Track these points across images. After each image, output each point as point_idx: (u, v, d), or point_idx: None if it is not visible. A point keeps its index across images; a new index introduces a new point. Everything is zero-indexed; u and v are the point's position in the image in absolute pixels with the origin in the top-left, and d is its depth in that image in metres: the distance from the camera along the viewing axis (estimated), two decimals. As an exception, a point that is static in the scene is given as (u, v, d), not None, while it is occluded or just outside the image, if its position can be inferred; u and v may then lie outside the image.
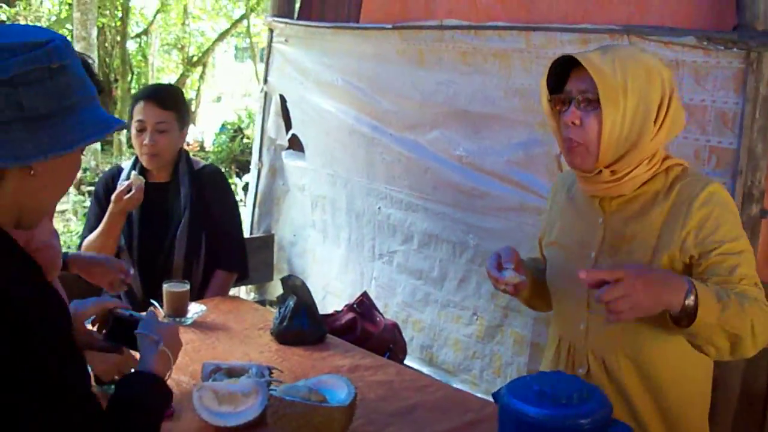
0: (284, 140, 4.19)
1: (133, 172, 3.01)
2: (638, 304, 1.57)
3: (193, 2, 21.46)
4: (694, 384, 1.94)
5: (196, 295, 3.09)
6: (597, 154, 1.81)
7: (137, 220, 3.09)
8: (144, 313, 1.84)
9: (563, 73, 1.86)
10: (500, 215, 3.01)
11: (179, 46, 23.06)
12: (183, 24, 22.28)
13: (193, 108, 23.88)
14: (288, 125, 4.16)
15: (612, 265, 1.62)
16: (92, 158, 11.30)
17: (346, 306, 3.27)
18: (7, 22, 17.82)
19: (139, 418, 1.45)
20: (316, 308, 2.72)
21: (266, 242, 4.25)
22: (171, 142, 3.04)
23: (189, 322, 2.71)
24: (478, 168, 3.07)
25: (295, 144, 4.17)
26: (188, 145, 19.91)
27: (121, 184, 2.93)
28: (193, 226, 3.10)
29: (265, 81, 4.21)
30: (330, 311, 3.36)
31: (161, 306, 2.70)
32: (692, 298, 1.60)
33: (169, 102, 3.03)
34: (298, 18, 4.01)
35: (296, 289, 2.69)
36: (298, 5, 4.12)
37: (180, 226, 3.09)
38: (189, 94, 23.93)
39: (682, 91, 2.45)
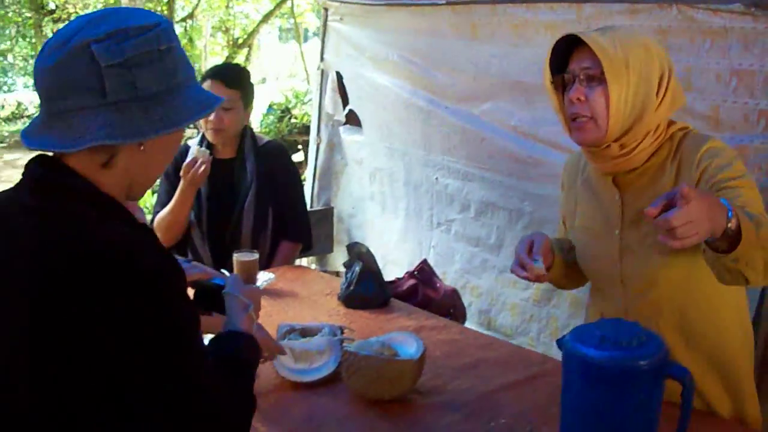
0: (341, 116, 4.33)
1: (198, 147, 3.16)
2: (701, 230, 1.51)
3: (237, -16, 21.72)
4: (737, 343, 1.98)
5: (264, 264, 3.25)
6: (605, 127, 1.88)
7: (206, 195, 3.25)
8: (227, 274, 1.94)
9: (564, 54, 1.94)
10: (554, 182, 3.09)
11: (224, 28, 23.39)
12: (227, 7, 22.55)
13: (240, 90, 24.17)
14: (345, 101, 4.30)
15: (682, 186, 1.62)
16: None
17: (406, 273, 3.41)
18: (58, 10, 18.20)
19: (241, 372, 1.55)
20: (381, 274, 2.85)
21: (326, 215, 4.41)
22: (235, 119, 3.18)
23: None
24: (532, 136, 3.17)
25: (352, 119, 4.30)
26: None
27: (191, 155, 3.09)
28: (260, 199, 3.24)
29: (322, 59, 4.35)
30: (392, 279, 3.51)
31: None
32: (734, 220, 1.57)
33: (235, 81, 3.16)
34: (353, -3, 4.14)
35: (362, 256, 2.82)
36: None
37: (247, 200, 3.23)
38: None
39: (730, 57, 2.53)
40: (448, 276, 3.61)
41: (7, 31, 22.23)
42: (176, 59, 1.36)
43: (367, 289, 2.75)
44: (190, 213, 3.22)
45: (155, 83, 1.32)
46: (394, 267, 3.92)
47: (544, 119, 3.10)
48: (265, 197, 3.26)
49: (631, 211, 1.95)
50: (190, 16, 22.46)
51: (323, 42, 4.29)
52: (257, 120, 17.51)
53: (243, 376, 1.55)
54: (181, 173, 3.06)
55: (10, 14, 20.83)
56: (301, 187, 3.53)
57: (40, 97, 1.33)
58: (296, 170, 3.46)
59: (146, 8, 13.10)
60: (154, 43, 1.32)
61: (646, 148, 1.91)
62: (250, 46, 23.45)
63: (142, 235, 1.36)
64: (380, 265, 4.02)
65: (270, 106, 16.26)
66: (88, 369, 1.25)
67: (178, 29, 21.43)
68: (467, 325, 3.26)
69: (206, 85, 3.15)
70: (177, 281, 1.34)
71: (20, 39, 23.47)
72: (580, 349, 1.56)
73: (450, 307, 3.25)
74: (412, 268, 3.38)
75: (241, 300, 1.70)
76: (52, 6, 17.77)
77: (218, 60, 23.98)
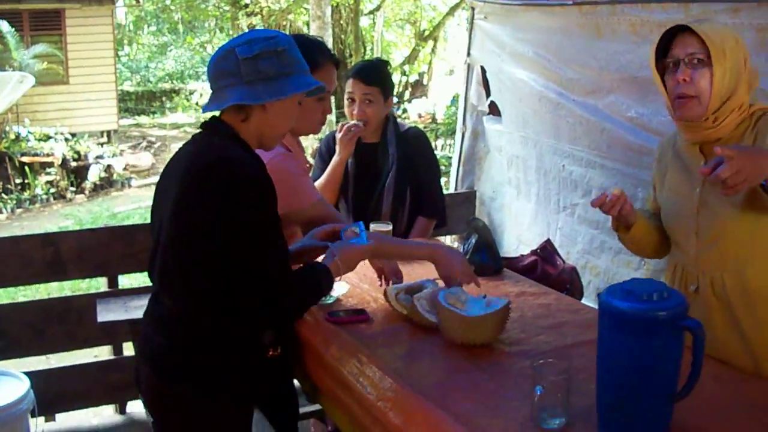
0: (484, 106, 4.68)
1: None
2: (749, 177, 1.92)
3: (425, -22, 22.20)
4: None
5: (402, 237, 3.68)
6: (706, 103, 2.21)
7: (353, 174, 3.71)
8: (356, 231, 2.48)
9: (664, 43, 2.28)
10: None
11: (412, 20, 24.01)
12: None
13: (425, 81, 24.75)
14: (487, 93, 4.65)
15: (727, 147, 1.96)
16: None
17: (531, 251, 3.73)
18: (250, 6, 19.41)
19: (312, 284, 2.22)
20: (495, 245, 3.19)
21: (469, 198, 4.79)
22: (376, 111, 3.59)
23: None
24: (646, 128, 3.41)
25: (494, 110, 4.65)
26: (420, 117, 20.75)
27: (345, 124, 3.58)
28: (399, 179, 3.65)
29: (468, 54, 4.72)
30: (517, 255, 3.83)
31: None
32: None
33: (374, 77, 3.57)
34: (497, -3, 4.49)
35: (478, 229, 3.18)
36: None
37: (388, 180, 3.66)
38: (421, 67, 24.81)
39: None
40: (571, 256, 3.89)
41: (206, 24, 23.99)
42: (289, 57, 2.15)
43: (481, 258, 3.09)
44: (338, 190, 3.69)
45: (273, 70, 2.11)
46: (525, 247, 4.22)
47: (657, 111, 3.34)
48: (404, 178, 3.66)
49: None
50: (378, 8, 23.30)
51: (470, 38, 4.66)
52: (441, 111, 17.94)
53: (312, 286, 2.22)
54: (337, 132, 3.57)
55: (210, 9, 22.46)
56: (438, 169, 3.91)
57: (209, 81, 2.18)
58: (433, 154, 3.85)
59: (333, 2, 13.84)
60: (273, 46, 2.12)
61: (732, 121, 2.24)
62: (435, 39, 23.98)
63: (254, 160, 2.13)
64: (514, 245, 4.39)
65: (454, 98, 16.57)
66: (203, 240, 2.02)
67: (366, 21, 22.29)
68: (584, 301, 3.55)
69: (349, 82, 3.58)
70: (267, 192, 2.06)
71: (218, 31, 25.19)
72: (610, 301, 1.87)
73: (567, 282, 3.51)
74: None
75: (332, 252, 2.33)
76: (246, 0, 18.98)
77: (404, 52, 24.67)
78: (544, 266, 3.61)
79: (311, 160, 3.40)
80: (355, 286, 2.98)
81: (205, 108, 2.16)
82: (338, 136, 3.55)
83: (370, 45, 22.05)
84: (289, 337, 2.53)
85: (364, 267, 2.91)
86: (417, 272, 3.06)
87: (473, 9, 4.61)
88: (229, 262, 2.02)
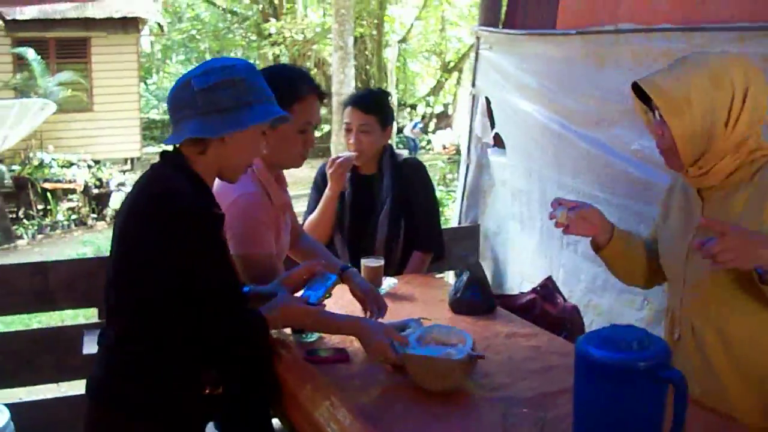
0: (489, 138, 4.56)
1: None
2: (739, 257, 1.80)
3: (450, 9, 22.27)
4: None
5: (396, 271, 3.56)
6: (680, 156, 2.08)
7: (348, 205, 3.61)
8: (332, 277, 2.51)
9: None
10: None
11: (437, 52, 24.09)
12: (441, 30, 23.23)
13: (449, 112, 24.76)
14: (492, 124, 4.54)
15: (716, 221, 1.90)
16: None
17: (531, 289, 3.59)
18: (274, 35, 19.56)
19: (245, 326, 2.19)
20: (487, 283, 3.07)
21: (472, 232, 4.66)
22: (372, 141, 3.51)
23: (383, 292, 3.16)
24: (651, 161, 3.26)
25: (499, 142, 4.53)
26: (445, 148, 20.72)
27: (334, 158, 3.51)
28: (394, 211, 3.56)
29: (473, 84, 4.61)
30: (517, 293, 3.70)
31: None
32: None
33: (371, 106, 3.49)
34: (503, 27, 4.38)
35: (470, 266, 3.06)
36: (503, 16, 4.49)
37: (382, 212, 3.57)
38: (446, 98, 24.82)
39: None
40: (574, 294, 3.74)
41: (233, 53, 24.21)
42: (247, 87, 2.09)
43: (472, 296, 2.98)
44: (335, 221, 3.59)
45: (229, 101, 2.05)
46: (528, 284, 4.08)
47: (661, 145, 3.20)
48: (399, 210, 3.57)
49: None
50: (404, 39, 23.40)
51: (475, 69, 4.55)
52: (466, 142, 17.90)
53: (244, 327, 2.19)
54: (327, 168, 3.47)
55: (237, 38, 22.68)
56: (436, 201, 3.80)
57: (168, 112, 2.16)
58: (431, 185, 3.74)
59: (356, 33, 13.89)
60: (230, 75, 2.07)
61: (725, 167, 2.07)
62: (460, 70, 24.01)
63: (199, 193, 2.08)
64: (518, 281, 4.25)
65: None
66: (140, 270, 2.04)
67: (393, 51, 22.36)
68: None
69: (347, 110, 3.52)
70: (205, 225, 2.04)
71: (245, 61, 25.44)
72: (586, 349, 1.74)
73: (567, 322, 3.39)
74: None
75: (276, 305, 2.31)
76: (272, 30, 19.13)
77: (431, 83, 24.72)
78: (544, 304, 3.48)
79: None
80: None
81: (165, 141, 2.15)
82: (328, 171, 3.46)
83: (391, 76, 22.11)
84: (269, 374, 2.52)
85: (352, 302, 2.82)
86: (405, 310, 2.94)
87: (478, 39, 4.51)
88: (166, 293, 2.03)
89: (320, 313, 2.41)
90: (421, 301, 3.11)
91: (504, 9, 4.50)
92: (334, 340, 2.67)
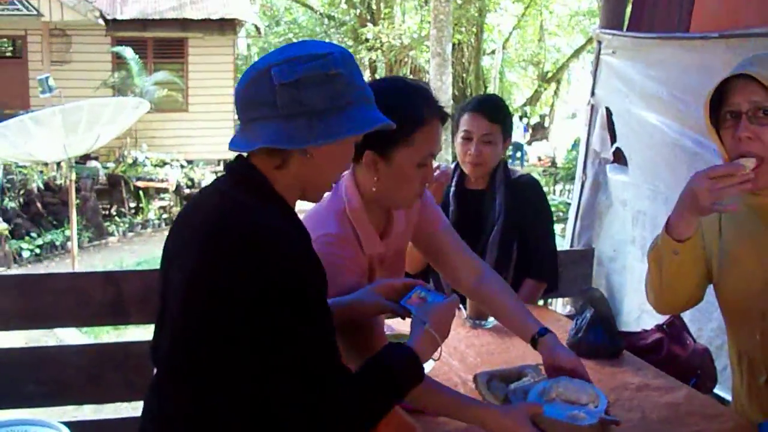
0: (608, 153, 4.15)
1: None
2: None
3: (550, 18, 21.74)
4: None
5: (506, 299, 3.19)
6: None
7: (454, 223, 3.24)
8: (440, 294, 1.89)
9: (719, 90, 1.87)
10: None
11: (535, 61, 23.53)
12: (539, 40, 22.70)
13: (546, 124, 24.19)
14: (612, 138, 4.12)
15: None
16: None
17: (656, 326, 3.17)
18: (371, 41, 19.41)
19: (384, 384, 1.64)
20: (614, 322, 2.67)
21: (585, 256, 4.23)
22: (495, 153, 3.14)
23: (489, 325, 2.82)
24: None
25: (619, 158, 4.11)
26: (540, 160, 20.23)
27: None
28: (506, 234, 3.18)
29: (592, 94, 4.20)
30: (638, 330, 3.28)
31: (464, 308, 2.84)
32: None
33: (496, 114, 3.12)
34: (627, 29, 3.97)
35: (594, 301, 2.66)
36: (627, 16, 4.07)
37: (493, 233, 3.18)
38: (543, 109, 24.26)
39: None
40: (703, 334, 3.31)
41: (330, 59, 24.12)
42: (345, 83, 1.58)
43: (596, 337, 2.60)
44: None
45: (321, 101, 1.55)
46: (649, 318, 3.65)
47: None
48: (512, 232, 3.19)
49: None
50: (502, 48, 22.95)
51: (595, 76, 4.14)
52: (561, 155, 17.37)
53: (386, 387, 1.65)
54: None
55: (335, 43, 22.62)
56: (552, 224, 3.40)
57: (236, 111, 1.64)
58: (547, 206, 3.34)
59: (454, 40, 13.61)
60: (323, 68, 1.55)
61: None
62: (558, 81, 23.43)
63: (296, 230, 1.62)
64: (636, 314, 3.82)
65: (575, 142, 16.11)
66: (225, 324, 1.52)
67: (489, 61, 21.95)
68: (718, 389, 2.97)
69: (466, 117, 3.13)
70: (310, 281, 1.54)
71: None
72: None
73: (698, 367, 2.97)
74: (663, 321, 3.14)
75: (420, 318, 1.79)
76: (369, 35, 18.97)
77: (527, 93, 24.21)
78: (671, 346, 3.07)
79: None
80: (442, 362, 2.50)
81: (230, 144, 1.64)
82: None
83: (491, 85, 21.68)
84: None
85: (451, 338, 2.44)
86: (516, 350, 2.56)
87: (599, 43, 4.10)
88: (256, 357, 1.54)
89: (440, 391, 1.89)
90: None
91: (628, 9, 4.07)
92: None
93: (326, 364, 1.57)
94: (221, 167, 16.53)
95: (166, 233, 1.76)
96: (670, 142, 3.56)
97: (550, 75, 22.35)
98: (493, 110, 3.14)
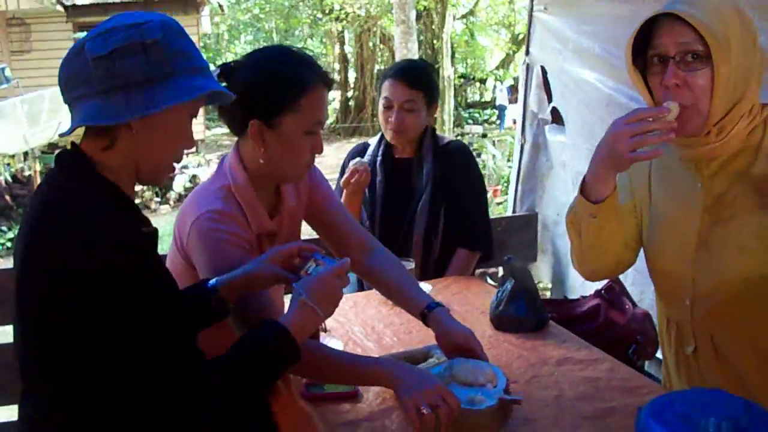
0: (546, 114, 3.99)
1: (356, 159, 3.07)
2: None
3: (520, -21, 21.46)
4: None
5: (433, 272, 3.08)
6: (706, 113, 1.67)
7: (381, 195, 3.11)
8: (336, 261, 1.77)
9: (642, 33, 1.73)
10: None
11: (506, 24, 23.23)
12: (510, 2, 22.36)
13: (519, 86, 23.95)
14: (549, 98, 3.96)
15: None
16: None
17: (594, 291, 3.05)
18: (336, 11, 19.12)
19: (252, 364, 1.57)
20: (537, 293, 2.53)
21: (529, 221, 4.09)
22: (417, 121, 3.01)
23: None
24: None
25: (557, 118, 3.96)
26: (515, 122, 20.04)
27: (348, 169, 2.98)
28: (434, 202, 3.06)
29: (527, 53, 4.04)
30: (577, 297, 3.15)
31: None
32: None
33: (417, 81, 2.99)
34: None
35: (515, 272, 2.52)
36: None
37: (420, 202, 3.06)
38: (516, 72, 23.99)
39: None
40: (645, 297, 3.19)
41: (297, 32, 23.93)
42: (164, 52, 1.47)
43: (518, 310, 2.46)
44: (364, 213, 3.12)
45: (138, 72, 1.45)
46: (595, 283, 3.54)
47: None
48: (440, 200, 3.06)
49: (712, 201, 1.79)
50: (471, 12, 22.63)
51: (529, 34, 3.98)
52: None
53: (256, 367, 1.57)
54: (341, 184, 3.01)
55: (303, 17, 22.33)
56: (484, 191, 3.26)
57: (60, 92, 1.53)
58: (478, 172, 3.19)
59: (419, 7, 13.33)
60: (138, 37, 1.45)
61: (741, 130, 1.73)
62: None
63: (119, 219, 1.48)
64: (580, 280, 3.68)
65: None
66: (55, 328, 1.42)
67: (460, 25, 21.65)
68: (660, 354, 2.86)
69: (387, 84, 3.01)
70: (133, 270, 1.41)
71: (309, 39, 25.19)
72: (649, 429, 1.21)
73: (637, 333, 2.85)
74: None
75: (298, 293, 1.68)
76: (337, 7, 18.71)
77: (499, 56, 23.95)
78: (609, 312, 2.97)
79: None
80: (356, 343, 2.38)
81: (64, 132, 1.54)
82: (342, 185, 3.00)
83: (462, 49, 21.43)
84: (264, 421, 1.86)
85: (371, 318, 2.31)
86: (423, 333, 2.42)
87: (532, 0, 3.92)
88: (93, 355, 1.42)
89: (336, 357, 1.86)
90: (459, 314, 2.58)
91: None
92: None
93: (172, 355, 1.47)
94: (193, 149, 16.32)
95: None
96: (604, 98, 3.42)
97: (521, 37, 22.05)
98: (413, 77, 3.00)
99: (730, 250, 1.75)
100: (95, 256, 1.38)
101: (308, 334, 1.68)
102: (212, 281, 1.82)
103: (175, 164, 1.61)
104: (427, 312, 2.07)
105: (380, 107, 3.05)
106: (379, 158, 3.13)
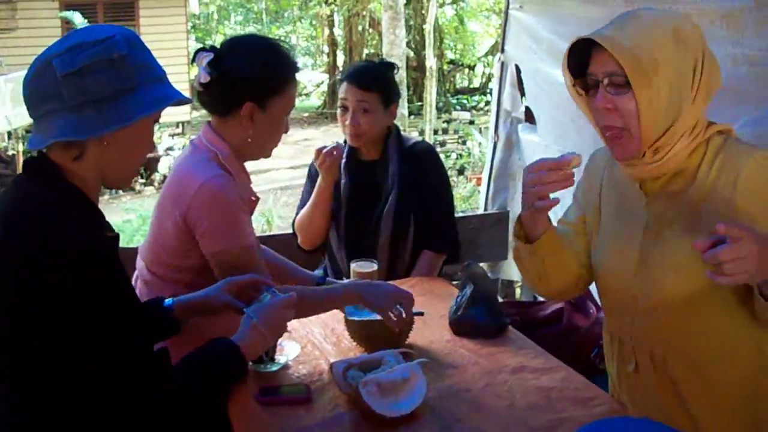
0: (519, 113, 3.99)
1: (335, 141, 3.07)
2: (753, 268, 1.41)
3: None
4: (751, 381, 1.79)
5: (402, 275, 3.06)
6: (638, 137, 1.70)
7: (346, 197, 3.09)
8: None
9: (583, 52, 1.75)
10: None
11: (497, 10, 23.15)
12: (501, -13, 22.34)
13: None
14: (523, 97, 3.96)
15: (734, 224, 1.44)
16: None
17: (561, 294, 3.06)
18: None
19: (203, 375, 1.69)
20: (496, 298, 2.54)
21: (501, 219, 4.09)
22: (374, 122, 2.98)
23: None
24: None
25: (531, 117, 3.96)
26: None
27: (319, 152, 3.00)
28: (401, 204, 3.04)
29: (502, 50, 4.03)
30: (541, 300, 3.16)
31: None
32: None
33: (369, 82, 2.97)
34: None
35: (475, 277, 2.52)
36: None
37: (387, 205, 3.04)
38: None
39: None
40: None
41: (288, 14, 23.77)
42: (130, 66, 1.57)
43: (477, 315, 2.46)
44: (328, 218, 3.10)
45: (108, 87, 1.55)
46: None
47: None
48: (407, 203, 3.04)
49: (654, 220, 1.82)
50: (459, -2, 22.56)
51: (504, 32, 3.96)
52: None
53: (206, 382, 1.69)
54: (315, 160, 2.98)
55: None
56: (450, 192, 3.24)
57: (27, 107, 1.61)
58: (444, 173, 3.19)
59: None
60: (105, 53, 1.55)
61: (681, 150, 1.73)
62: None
63: (84, 224, 1.57)
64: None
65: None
66: (19, 335, 1.52)
67: (450, 11, 21.55)
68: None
69: (342, 86, 3.02)
70: (96, 274, 1.51)
71: (298, 21, 25.02)
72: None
73: (600, 337, 2.85)
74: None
75: (249, 315, 1.84)
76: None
77: (489, 42, 23.89)
78: (573, 316, 2.99)
79: None
80: (314, 345, 2.38)
81: (29, 144, 1.63)
82: (315, 163, 2.95)
83: (451, 35, 21.35)
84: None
85: (331, 318, 2.33)
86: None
87: (507, -4, 3.91)
88: (53, 358, 1.53)
89: (302, 293, 2.11)
90: (421, 317, 2.57)
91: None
92: (304, 370, 2.22)
93: (133, 353, 1.58)
94: (180, 130, 16.29)
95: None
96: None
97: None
98: (365, 79, 2.99)
99: (667, 269, 1.77)
100: (61, 255, 1.47)
101: (255, 355, 1.87)
102: (168, 300, 2.01)
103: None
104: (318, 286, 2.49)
105: (338, 110, 3.06)
106: (343, 161, 3.09)
